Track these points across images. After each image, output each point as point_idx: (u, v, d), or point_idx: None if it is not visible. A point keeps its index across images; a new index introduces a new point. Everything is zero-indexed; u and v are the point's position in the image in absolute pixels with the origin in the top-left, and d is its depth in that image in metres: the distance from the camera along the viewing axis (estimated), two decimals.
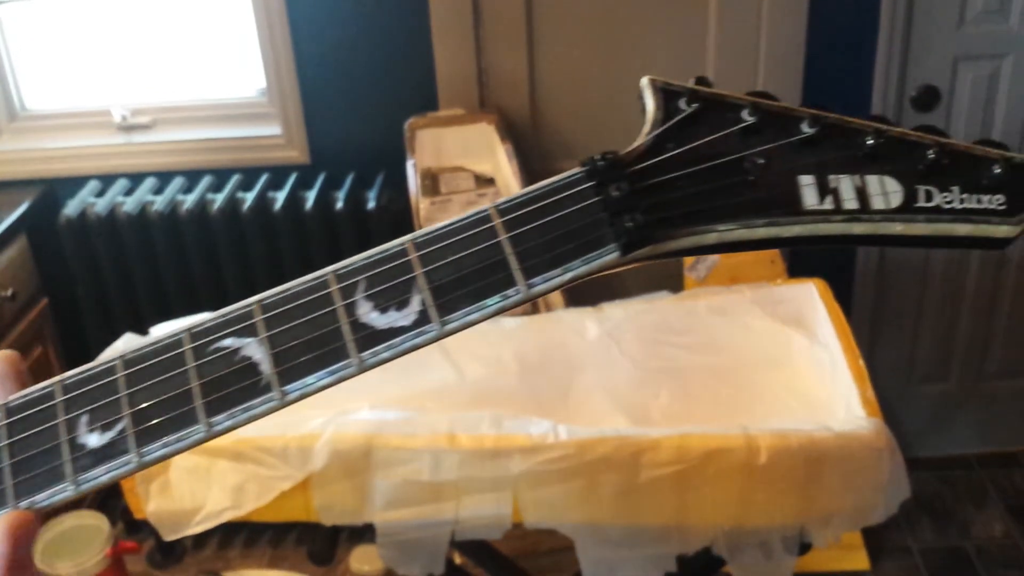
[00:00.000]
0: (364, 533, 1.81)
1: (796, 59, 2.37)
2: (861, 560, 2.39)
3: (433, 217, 2.23)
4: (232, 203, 2.43)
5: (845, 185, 0.58)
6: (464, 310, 0.58)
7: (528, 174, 2.27)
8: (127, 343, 1.76)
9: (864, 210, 0.57)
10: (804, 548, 1.62)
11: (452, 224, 0.59)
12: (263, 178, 2.49)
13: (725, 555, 1.61)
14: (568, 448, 1.55)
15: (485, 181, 2.35)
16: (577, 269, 0.58)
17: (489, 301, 0.58)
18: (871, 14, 2.33)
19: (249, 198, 2.43)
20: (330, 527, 1.70)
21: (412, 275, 0.58)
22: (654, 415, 1.79)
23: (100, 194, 2.52)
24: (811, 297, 1.93)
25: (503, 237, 0.58)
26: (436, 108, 2.44)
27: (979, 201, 0.57)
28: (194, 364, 0.57)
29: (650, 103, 0.63)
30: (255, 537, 2.62)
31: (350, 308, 0.58)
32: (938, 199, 0.57)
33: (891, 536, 2.56)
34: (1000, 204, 0.57)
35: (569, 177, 0.60)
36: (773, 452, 1.52)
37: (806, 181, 0.58)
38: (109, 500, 2.48)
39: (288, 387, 0.57)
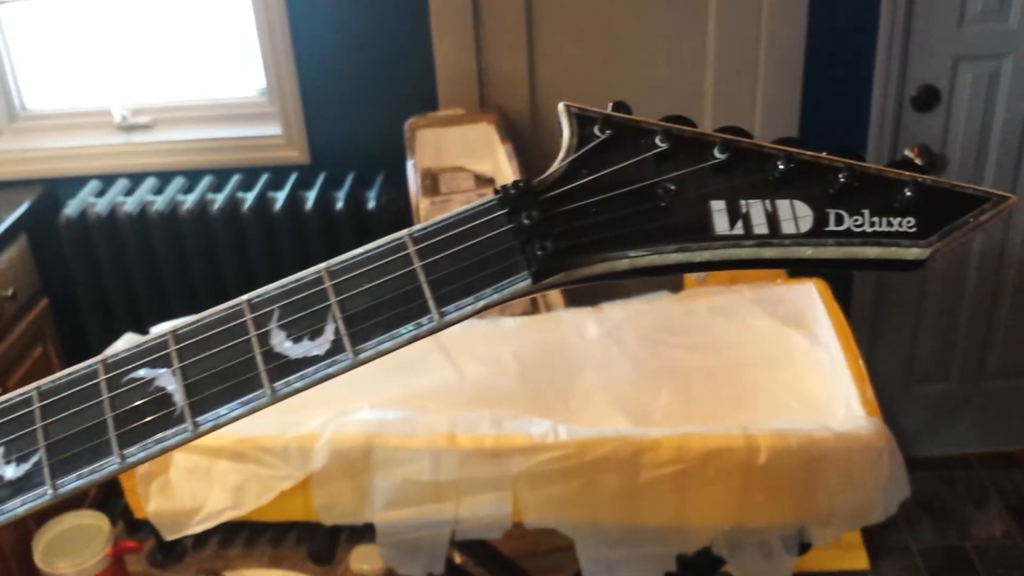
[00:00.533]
0: (364, 533, 1.81)
1: (796, 59, 2.38)
2: (861, 560, 2.39)
3: (433, 217, 2.23)
4: (232, 203, 2.43)
5: (756, 210, 0.58)
6: (377, 339, 0.58)
7: (528, 174, 2.27)
8: (127, 343, 1.76)
9: (774, 235, 0.58)
10: (804, 548, 1.62)
11: (367, 252, 0.60)
12: (263, 178, 2.49)
13: (725, 555, 1.62)
14: (568, 448, 1.55)
15: (485, 181, 2.35)
16: (489, 297, 0.58)
17: (402, 330, 0.58)
18: (871, 14, 2.33)
19: (249, 198, 2.43)
20: (330, 527, 1.70)
21: (326, 304, 0.58)
22: (654, 415, 1.80)
23: (100, 194, 2.52)
24: (811, 297, 1.93)
25: (417, 265, 0.58)
26: (436, 108, 2.44)
27: (890, 224, 0.58)
28: (108, 395, 0.57)
29: (565, 129, 0.63)
30: (255, 537, 2.62)
31: (263, 338, 0.58)
32: (848, 222, 0.58)
33: (891, 536, 2.56)
34: (911, 226, 0.58)
35: (483, 205, 0.60)
36: (773, 452, 1.53)
37: (717, 206, 0.58)
38: (110, 500, 2.48)
39: (200, 418, 0.57)
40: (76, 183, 2.55)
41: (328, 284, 0.59)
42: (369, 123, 2.49)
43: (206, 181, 2.51)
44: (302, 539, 2.59)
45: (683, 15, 2.38)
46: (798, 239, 0.58)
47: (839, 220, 0.58)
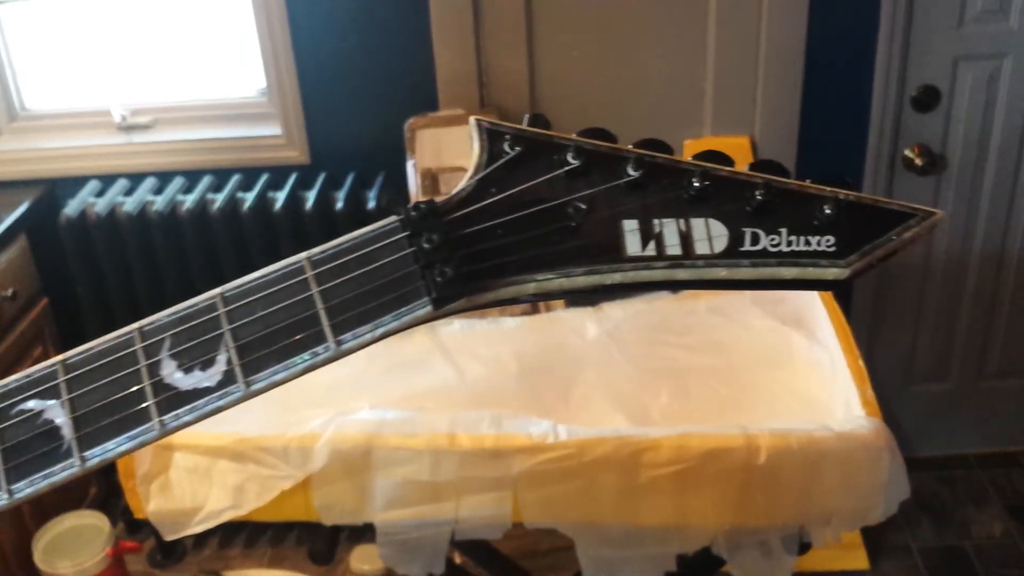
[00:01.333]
0: (364, 533, 1.81)
1: (796, 59, 2.38)
2: (860, 559, 2.40)
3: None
4: (232, 203, 2.43)
5: (669, 230, 0.56)
6: (271, 369, 0.55)
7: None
8: None
9: (687, 256, 0.55)
10: (804, 547, 1.62)
11: (264, 276, 0.57)
12: (263, 178, 2.49)
13: (725, 554, 1.62)
14: (568, 448, 1.55)
15: None
16: (388, 325, 0.56)
17: (297, 360, 0.55)
18: (871, 14, 2.33)
19: (249, 198, 2.43)
20: (330, 527, 1.70)
21: (219, 332, 0.56)
22: (654, 415, 1.80)
23: (100, 194, 2.52)
24: (810, 297, 1.93)
25: (315, 291, 0.56)
26: (436, 108, 2.44)
27: (807, 243, 0.55)
28: None
29: (475, 145, 0.60)
30: (255, 537, 2.62)
31: (154, 368, 0.55)
32: (764, 242, 0.55)
33: (890, 536, 2.56)
34: (829, 245, 0.55)
35: (385, 226, 0.57)
36: (773, 452, 1.53)
37: (630, 226, 0.56)
38: (110, 500, 2.49)
39: (88, 452, 0.55)
40: (76, 183, 2.55)
41: (222, 311, 0.56)
42: (369, 123, 2.49)
43: (206, 181, 2.51)
44: (302, 539, 2.59)
45: (683, 15, 2.38)
46: (712, 260, 0.55)
47: (755, 239, 0.55)
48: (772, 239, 0.55)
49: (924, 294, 2.65)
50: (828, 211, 0.55)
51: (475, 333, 1.96)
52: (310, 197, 2.43)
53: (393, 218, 0.58)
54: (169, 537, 1.72)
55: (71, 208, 2.45)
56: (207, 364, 0.55)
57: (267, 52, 2.45)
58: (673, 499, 1.58)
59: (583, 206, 0.57)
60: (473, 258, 0.56)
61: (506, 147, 0.59)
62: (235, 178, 2.50)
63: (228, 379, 0.55)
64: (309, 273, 0.57)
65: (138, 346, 0.56)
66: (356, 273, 0.56)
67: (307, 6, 2.40)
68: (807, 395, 1.78)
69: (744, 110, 2.44)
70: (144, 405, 0.55)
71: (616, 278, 0.56)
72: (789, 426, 1.57)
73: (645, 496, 1.57)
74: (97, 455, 0.55)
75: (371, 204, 2.40)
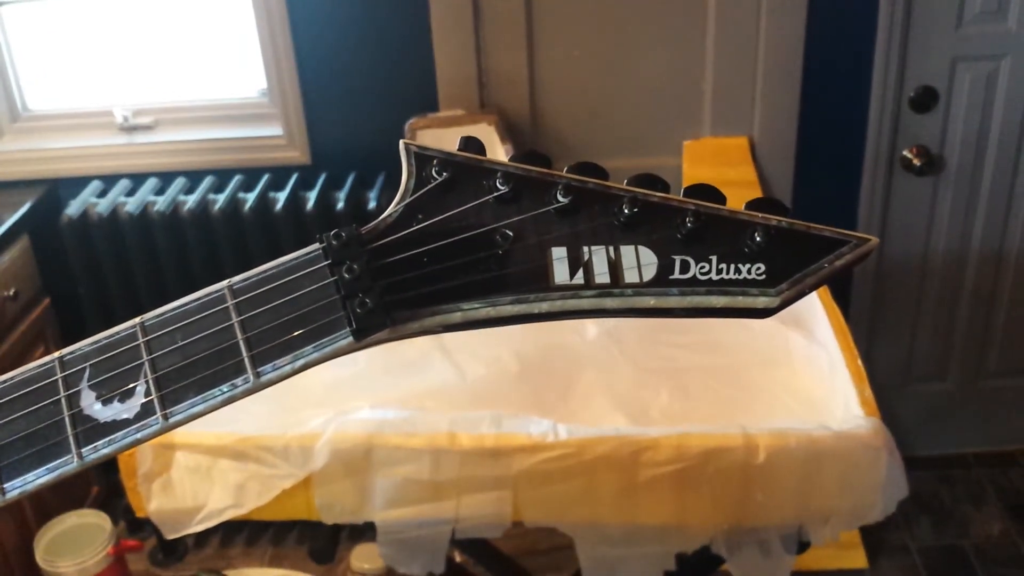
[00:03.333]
0: (365, 532, 1.81)
1: (795, 60, 2.38)
2: (859, 559, 2.40)
3: None
4: (233, 203, 2.44)
5: (598, 258, 0.55)
6: (189, 401, 0.54)
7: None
8: None
9: (615, 284, 0.55)
10: (803, 547, 1.62)
11: (185, 305, 0.56)
12: (264, 178, 2.50)
13: (724, 553, 1.62)
14: (568, 447, 1.56)
15: None
16: (309, 356, 0.54)
17: (216, 392, 0.54)
18: (870, 15, 2.33)
19: (250, 198, 2.44)
20: (331, 526, 1.71)
21: (138, 363, 0.55)
22: (654, 415, 1.80)
23: (102, 194, 2.52)
24: (809, 296, 1.93)
25: (235, 320, 0.55)
26: (436, 109, 2.45)
27: (738, 271, 0.54)
28: None
29: (404, 169, 0.59)
30: (256, 535, 2.63)
31: (73, 399, 0.55)
32: (694, 270, 0.55)
33: (889, 535, 2.57)
34: (760, 274, 0.54)
35: (306, 254, 0.56)
36: (772, 451, 1.53)
37: (558, 254, 0.55)
38: (111, 499, 2.49)
39: (7, 485, 0.55)
40: (78, 183, 2.56)
41: (141, 341, 0.55)
42: (370, 124, 2.50)
43: (207, 181, 2.52)
44: (303, 538, 2.60)
45: (683, 16, 2.39)
46: (640, 289, 0.54)
47: (684, 267, 0.55)
48: (702, 267, 0.55)
49: (923, 294, 2.66)
50: (759, 238, 0.54)
51: (475, 333, 1.96)
52: (311, 197, 2.44)
53: (316, 246, 0.56)
54: (170, 536, 1.73)
55: (73, 208, 2.46)
56: (126, 395, 0.54)
57: (268, 53, 2.46)
58: (672, 498, 1.58)
59: (511, 233, 0.56)
60: (396, 287, 0.55)
61: (434, 172, 0.57)
62: (236, 178, 2.51)
63: (146, 411, 0.54)
64: (230, 302, 0.55)
65: (58, 376, 0.56)
66: (277, 302, 0.55)
67: (308, 7, 2.41)
68: (806, 395, 1.79)
69: (743, 110, 2.44)
70: (63, 437, 0.54)
71: (543, 307, 0.55)
72: (788, 426, 1.58)
73: (645, 495, 1.58)
74: (17, 487, 0.55)
75: (372, 204, 2.40)
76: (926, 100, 2.42)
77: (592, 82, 2.47)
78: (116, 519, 2.30)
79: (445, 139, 2.39)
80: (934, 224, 2.57)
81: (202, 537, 2.58)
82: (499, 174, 0.56)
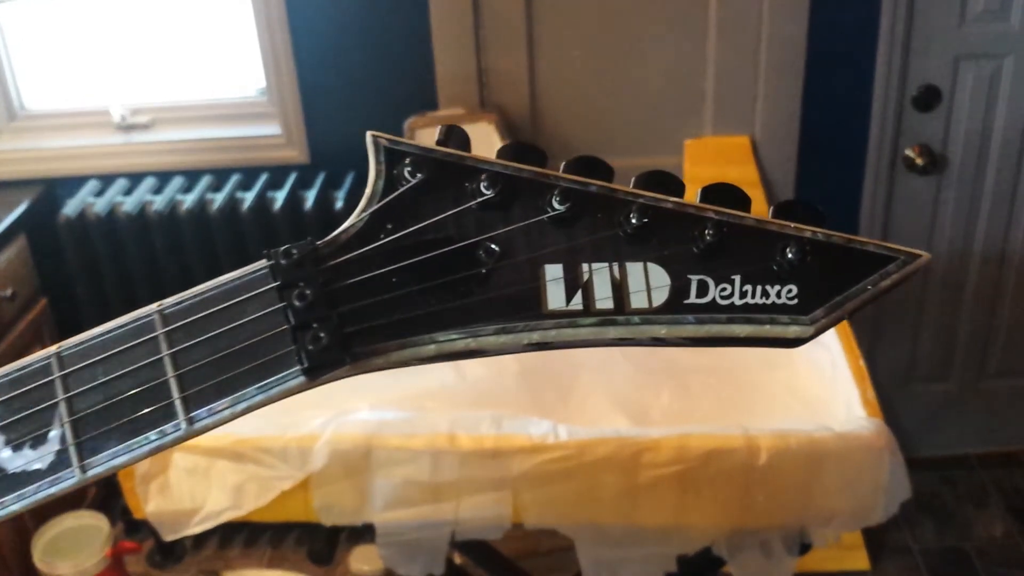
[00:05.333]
0: (364, 533, 1.81)
1: (797, 59, 2.37)
2: (861, 560, 2.39)
3: None
4: (232, 203, 2.43)
5: (600, 278, 0.47)
6: (111, 451, 0.46)
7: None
8: None
9: (620, 310, 0.46)
10: (804, 548, 1.62)
11: (109, 331, 0.48)
12: (263, 178, 2.49)
13: (725, 555, 1.61)
14: (568, 448, 1.55)
15: None
16: (252, 399, 0.46)
17: (142, 440, 0.46)
18: (872, 13, 2.33)
19: (249, 198, 2.43)
20: (330, 527, 1.70)
21: (53, 402, 0.47)
22: (654, 415, 1.79)
23: (99, 194, 2.52)
24: None
25: (165, 353, 0.47)
26: (436, 108, 2.44)
27: (765, 294, 0.46)
28: None
29: (372, 168, 0.50)
30: (255, 537, 2.62)
31: None
32: (713, 293, 0.47)
33: (891, 536, 2.56)
34: (791, 297, 0.46)
35: (252, 273, 0.48)
36: (773, 452, 1.52)
37: (553, 273, 0.47)
38: (109, 500, 2.48)
39: None
40: (75, 183, 2.55)
41: (57, 375, 0.47)
42: (369, 123, 2.46)
43: (205, 181, 2.51)
44: (302, 539, 2.59)
45: (683, 15, 2.38)
46: (649, 316, 0.46)
47: (702, 289, 0.47)
48: (723, 289, 0.47)
49: (925, 294, 2.65)
50: (791, 254, 0.46)
51: None
52: (310, 197, 2.43)
53: (262, 263, 0.48)
54: (168, 537, 1.72)
55: (70, 208, 2.45)
56: (38, 441, 0.46)
57: (267, 51, 2.45)
58: (673, 499, 1.57)
59: (497, 248, 0.47)
60: (358, 315, 0.47)
61: (407, 172, 0.49)
62: (234, 178, 2.50)
63: (61, 461, 0.46)
64: (159, 330, 0.47)
65: None
66: (216, 332, 0.47)
67: (307, 5, 2.40)
68: (808, 395, 1.78)
69: (744, 110, 2.43)
70: None
71: (534, 338, 0.47)
72: (790, 426, 1.57)
73: (645, 496, 1.57)
74: None
75: None
76: (929, 99, 2.41)
77: (592, 81, 2.46)
78: (114, 520, 2.29)
79: None
80: (936, 223, 2.56)
81: (200, 539, 2.57)
82: (484, 175, 0.47)
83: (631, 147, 2.48)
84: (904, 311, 2.67)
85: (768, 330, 0.47)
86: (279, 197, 2.43)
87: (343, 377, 0.47)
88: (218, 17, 2.60)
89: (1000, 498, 2.70)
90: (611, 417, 1.77)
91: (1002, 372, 2.75)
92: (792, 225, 0.47)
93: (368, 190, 0.49)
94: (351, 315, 0.47)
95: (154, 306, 0.48)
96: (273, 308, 0.47)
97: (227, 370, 0.47)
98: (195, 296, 0.48)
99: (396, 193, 0.49)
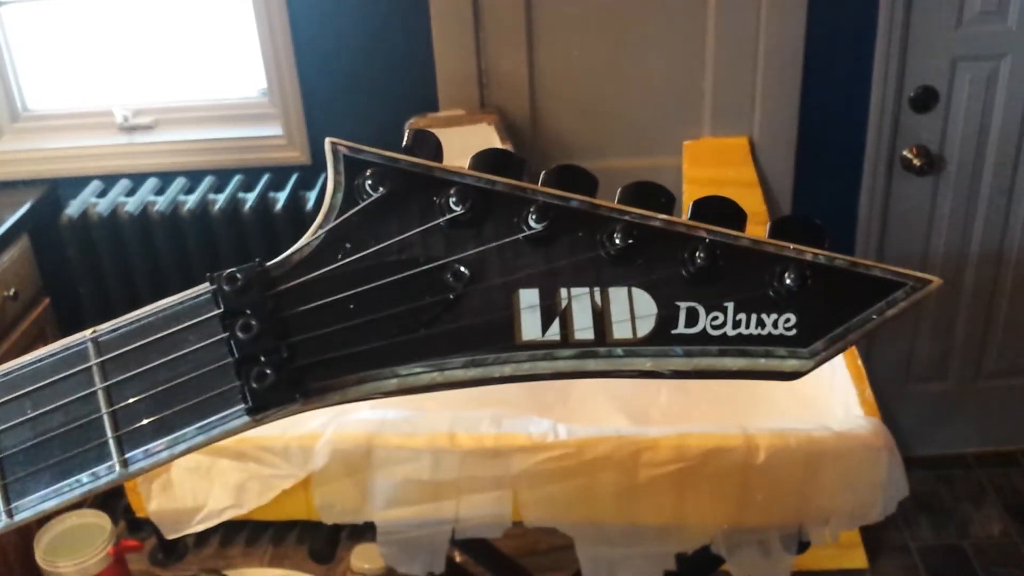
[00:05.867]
0: (365, 532, 1.81)
1: (795, 60, 2.38)
2: (859, 559, 2.40)
3: None
4: (233, 203, 2.44)
5: (579, 305, 0.42)
6: (40, 494, 0.43)
7: (528, 175, 2.28)
8: None
9: (601, 341, 0.42)
10: (803, 547, 1.62)
11: (40, 360, 0.44)
12: (264, 178, 2.50)
13: (724, 554, 1.62)
14: (568, 447, 1.56)
15: None
16: (192, 440, 0.42)
17: (73, 483, 0.43)
18: (869, 15, 2.33)
19: (250, 198, 2.44)
20: (331, 526, 1.70)
21: None
22: (653, 414, 1.80)
23: (102, 194, 2.52)
24: None
25: (99, 387, 0.43)
26: (436, 108, 2.45)
27: (761, 323, 0.42)
28: None
29: (331, 180, 0.45)
30: (256, 536, 2.62)
31: None
32: (704, 322, 0.42)
33: (889, 535, 2.57)
34: (789, 327, 0.42)
35: (194, 298, 0.44)
36: (772, 451, 1.53)
37: (528, 299, 0.42)
38: (111, 499, 2.49)
39: None
40: (78, 183, 2.56)
41: None
42: (370, 123, 2.50)
43: (207, 182, 2.52)
44: (303, 538, 2.60)
45: (683, 16, 2.39)
46: (634, 348, 0.42)
47: (692, 318, 0.42)
48: (714, 318, 0.42)
49: None
50: (789, 280, 0.42)
51: None
52: (311, 197, 2.44)
53: (205, 287, 0.44)
54: (170, 536, 1.73)
55: (73, 208, 2.46)
56: None
57: (268, 52, 2.46)
58: (672, 498, 1.58)
59: (466, 272, 0.43)
60: (311, 347, 0.42)
61: (368, 185, 0.43)
62: (236, 178, 2.51)
63: None
64: (93, 360, 0.43)
65: None
66: (154, 364, 0.43)
67: (308, 7, 2.41)
68: (806, 395, 1.79)
69: (743, 110, 2.44)
70: None
71: (506, 371, 0.42)
72: (788, 426, 1.57)
73: (644, 495, 1.57)
74: None
75: None
76: (926, 100, 2.41)
77: (592, 82, 2.46)
78: (116, 519, 2.30)
79: (445, 139, 2.38)
80: (934, 224, 2.57)
81: (202, 537, 2.58)
82: (454, 189, 0.43)
83: (630, 147, 2.49)
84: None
85: (764, 364, 0.43)
86: (281, 198, 2.44)
87: (292, 414, 0.42)
88: (219, 18, 2.61)
89: (997, 497, 2.70)
90: (610, 416, 1.78)
91: (999, 372, 2.76)
92: (791, 246, 0.43)
93: (325, 205, 0.44)
94: (303, 347, 0.42)
95: (87, 332, 0.44)
96: (215, 339, 0.42)
97: (165, 407, 0.42)
98: (132, 322, 0.44)
99: (356, 208, 0.44)
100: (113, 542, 2.18)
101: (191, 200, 2.44)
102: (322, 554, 2.53)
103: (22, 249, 2.44)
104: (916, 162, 2.46)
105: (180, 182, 2.53)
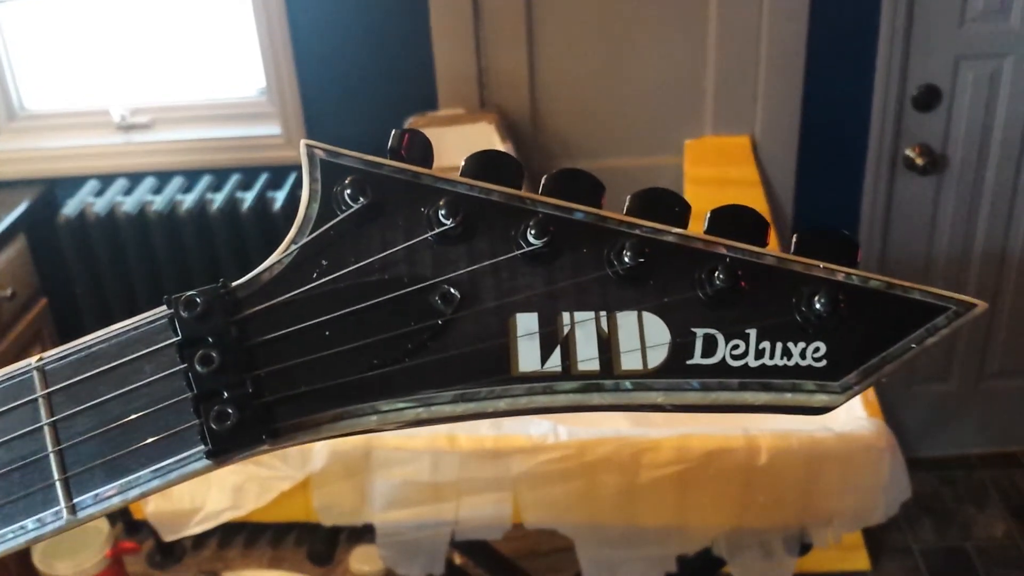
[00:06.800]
0: (364, 534, 1.80)
1: (797, 59, 2.37)
2: (862, 560, 2.39)
3: None
4: (231, 203, 2.43)
5: (584, 332, 0.37)
6: None
7: (529, 175, 2.27)
8: None
9: (608, 373, 0.37)
10: (805, 548, 1.62)
11: None
12: (262, 178, 2.49)
13: (725, 555, 1.61)
14: (568, 449, 1.55)
15: None
16: (146, 485, 0.38)
17: (17, 529, 0.38)
18: (872, 14, 2.32)
19: (249, 198, 2.43)
20: (330, 527, 1.70)
21: None
22: (654, 416, 1.79)
23: (99, 194, 2.51)
24: None
25: (45, 422, 0.38)
26: (436, 108, 2.44)
27: (787, 353, 0.37)
28: None
29: (306, 187, 0.40)
30: (255, 538, 2.61)
31: None
32: (723, 351, 0.37)
33: (892, 536, 2.56)
34: (818, 357, 0.37)
35: (150, 323, 0.39)
36: (774, 452, 1.52)
37: (526, 325, 0.37)
38: None
39: None
40: (75, 183, 2.55)
41: None
42: (369, 123, 2.49)
43: (205, 181, 2.51)
44: (302, 540, 2.59)
45: (683, 15, 2.38)
46: (644, 380, 0.37)
47: (710, 347, 0.37)
48: (734, 347, 0.37)
49: None
50: (819, 304, 0.37)
51: None
52: None
53: (162, 310, 0.39)
54: (168, 538, 1.72)
55: (70, 208, 2.45)
56: None
57: (267, 51, 2.45)
58: (674, 500, 1.57)
59: (456, 293, 0.38)
60: (280, 380, 0.37)
61: (347, 195, 0.38)
62: (234, 178, 2.50)
63: None
64: (39, 392, 0.38)
65: None
66: (105, 397, 0.38)
67: (307, 5, 2.40)
68: None
69: (745, 109, 2.43)
70: None
71: (500, 406, 0.38)
72: (790, 427, 1.57)
73: (645, 497, 1.57)
74: None
75: None
76: (929, 99, 2.41)
77: (592, 81, 2.46)
78: (113, 521, 2.29)
79: (445, 138, 2.38)
80: (937, 224, 2.56)
81: (200, 539, 2.57)
82: (443, 199, 0.38)
83: (631, 146, 2.48)
84: None
85: (790, 399, 0.38)
86: (279, 197, 2.43)
87: (264, 454, 0.39)
88: (218, 17, 2.60)
89: (1000, 498, 2.70)
90: (611, 417, 1.77)
91: (1002, 372, 2.75)
92: (821, 265, 0.38)
93: (299, 217, 0.39)
94: (271, 380, 0.37)
95: (33, 360, 0.39)
96: (173, 370, 0.38)
97: (117, 447, 0.38)
98: (81, 349, 0.39)
99: (333, 221, 0.39)
100: (110, 544, 2.17)
101: (189, 200, 2.44)
102: (321, 556, 2.52)
103: (19, 249, 2.43)
104: (919, 161, 2.45)
105: (178, 181, 2.52)
